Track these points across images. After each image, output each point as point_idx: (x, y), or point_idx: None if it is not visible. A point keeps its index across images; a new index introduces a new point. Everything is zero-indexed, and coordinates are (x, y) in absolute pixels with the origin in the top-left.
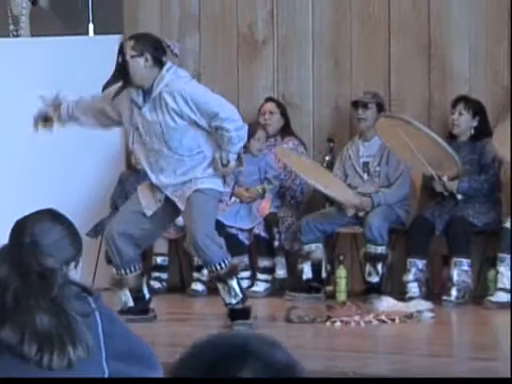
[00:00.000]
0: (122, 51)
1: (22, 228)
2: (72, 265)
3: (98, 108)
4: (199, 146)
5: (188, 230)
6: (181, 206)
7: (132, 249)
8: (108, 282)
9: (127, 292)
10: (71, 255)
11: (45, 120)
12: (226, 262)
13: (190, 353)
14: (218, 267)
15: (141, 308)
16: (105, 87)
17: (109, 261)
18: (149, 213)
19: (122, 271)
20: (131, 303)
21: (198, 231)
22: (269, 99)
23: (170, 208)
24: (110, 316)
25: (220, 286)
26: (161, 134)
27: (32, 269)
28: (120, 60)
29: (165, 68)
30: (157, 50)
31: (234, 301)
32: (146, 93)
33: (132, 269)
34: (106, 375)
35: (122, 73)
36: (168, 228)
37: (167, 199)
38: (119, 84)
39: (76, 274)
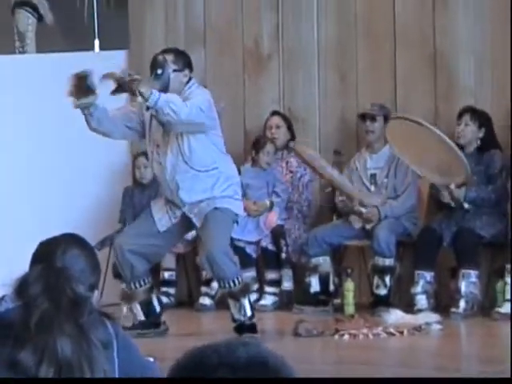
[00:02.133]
0: (160, 64)
1: (51, 251)
2: (95, 291)
3: (125, 117)
4: (214, 162)
5: (204, 246)
6: (197, 222)
7: (142, 263)
8: (119, 297)
9: (138, 306)
10: (94, 282)
11: (84, 90)
12: (240, 279)
13: (177, 364)
14: (232, 284)
15: (152, 321)
16: None
17: (116, 275)
18: (162, 228)
19: (132, 285)
20: (142, 317)
21: (215, 247)
22: (274, 113)
23: (182, 224)
24: (127, 342)
25: (231, 302)
26: (177, 147)
27: (64, 294)
28: (160, 72)
29: (189, 83)
30: (191, 68)
31: (242, 318)
32: None
33: (142, 283)
34: None
35: (162, 85)
36: (178, 243)
37: (182, 216)
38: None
39: (95, 299)
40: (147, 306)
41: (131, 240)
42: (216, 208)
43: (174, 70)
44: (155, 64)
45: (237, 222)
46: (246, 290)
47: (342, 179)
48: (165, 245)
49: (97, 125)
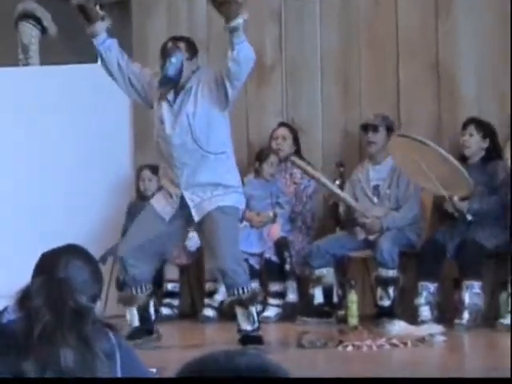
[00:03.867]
0: (174, 51)
1: (54, 263)
2: (98, 302)
3: (133, 72)
4: (223, 144)
5: (213, 253)
6: (196, 215)
7: (146, 267)
8: (117, 299)
9: (134, 311)
10: (97, 292)
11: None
12: (249, 286)
13: (177, 374)
14: (241, 291)
15: (146, 328)
16: (162, 86)
17: (120, 288)
18: (167, 216)
19: (133, 290)
20: (136, 323)
21: (226, 255)
22: (282, 124)
23: (183, 215)
24: (130, 353)
25: (240, 311)
26: (187, 125)
27: (67, 305)
28: (174, 60)
29: (200, 69)
30: (197, 55)
31: (249, 328)
32: (176, 89)
33: (143, 288)
34: None
35: (175, 72)
36: (183, 238)
37: (182, 206)
38: (151, 71)
39: (98, 309)
40: (143, 312)
41: (135, 239)
42: (219, 208)
43: (187, 58)
44: (169, 51)
45: (241, 220)
46: (254, 298)
47: (343, 194)
48: (170, 238)
49: (103, 56)
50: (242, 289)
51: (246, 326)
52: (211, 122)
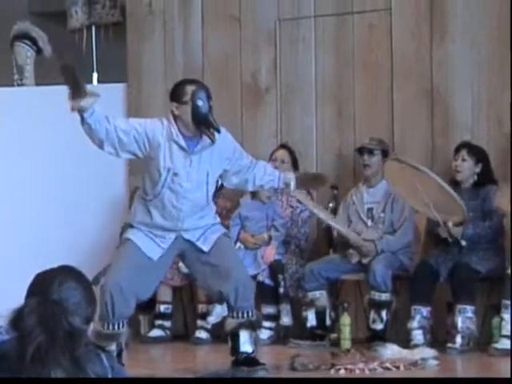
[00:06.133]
0: (206, 97)
1: (47, 284)
2: (91, 324)
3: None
4: (212, 195)
5: (226, 276)
6: (204, 246)
7: (133, 300)
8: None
9: (114, 347)
10: (90, 314)
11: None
12: (254, 309)
13: None
14: (251, 313)
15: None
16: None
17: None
18: (155, 256)
19: (116, 326)
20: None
21: (245, 276)
22: (282, 146)
23: (173, 253)
24: (121, 374)
25: (246, 333)
26: (205, 183)
27: (60, 326)
28: (211, 105)
29: None
30: None
31: (250, 349)
32: (190, 140)
33: (124, 322)
34: None
35: (209, 118)
36: (167, 272)
37: (172, 244)
38: (155, 121)
39: (90, 331)
40: (120, 347)
41: (124, 287)
42: (224, 233)
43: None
44: (209, 95)
45: (235, 242)
46: (261, 321)
47: (343, 229)
48: (158, 276)
49: (93, 128)
50: (252, 311)
51: (247, 349)
52: (215, 180)
